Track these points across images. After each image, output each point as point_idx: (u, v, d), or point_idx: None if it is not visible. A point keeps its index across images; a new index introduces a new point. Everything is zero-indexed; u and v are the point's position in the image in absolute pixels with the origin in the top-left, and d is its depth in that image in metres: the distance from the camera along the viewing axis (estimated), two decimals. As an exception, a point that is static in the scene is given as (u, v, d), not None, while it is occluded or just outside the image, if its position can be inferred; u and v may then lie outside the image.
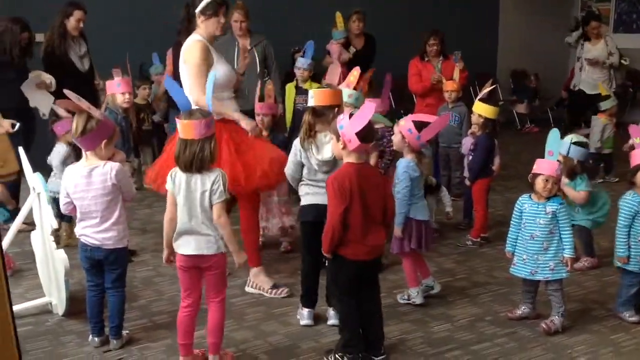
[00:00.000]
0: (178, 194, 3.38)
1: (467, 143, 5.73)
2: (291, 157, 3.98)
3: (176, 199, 3.39)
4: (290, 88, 6.65)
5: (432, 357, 3.76)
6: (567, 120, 9.67)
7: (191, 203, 3.37)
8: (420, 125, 4.21)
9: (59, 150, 5.19)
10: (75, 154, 5.10)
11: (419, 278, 4.44)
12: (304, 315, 4.12)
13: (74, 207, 3.69)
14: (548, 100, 11.34)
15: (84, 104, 3.56)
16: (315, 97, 3.87)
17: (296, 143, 3.96)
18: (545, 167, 3.91)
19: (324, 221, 3.59)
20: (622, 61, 9.34)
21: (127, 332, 3.93)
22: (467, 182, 5.68)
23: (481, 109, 5.49)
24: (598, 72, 8.82)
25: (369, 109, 3.40)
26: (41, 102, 5.84)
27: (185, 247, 3.41)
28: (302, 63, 6.55)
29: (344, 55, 7.32)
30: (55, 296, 4.20)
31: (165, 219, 3.46)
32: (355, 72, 4.48)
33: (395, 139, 4.32)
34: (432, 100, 7.09)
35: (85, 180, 3.61)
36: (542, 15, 11.76)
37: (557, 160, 3.92)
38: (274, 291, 4.54)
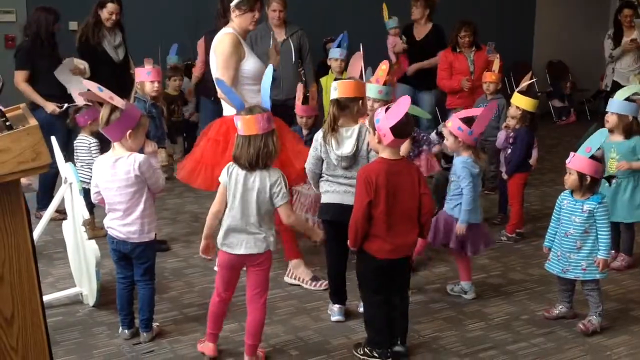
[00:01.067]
0: (232, 190, 3.32)
1: (502, 136, 5.60)
2: (311, 152, 3.91)
3: (227, 194, 3.33)
4: (326, 81, 6.55)
5: (467, 356, 3.68)
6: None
7: (246, 201, 3.31)
8: (468, 121, 4.12)
9: (83, 141, 5.23)
10: (100, 145, 5.13)
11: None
12: (334, 312, 4.06)
13: (102, 197, 3.67)
14: (584, 92, 11.11)
15: (106, 94, 3.50)
16: (339, 88, 3.79)
17: (317, 137, 3.88)
18: (583, 165, 3.76)
19: (342, 221, 3.55)
20: None
21: (157, 324, 3.89)
22: (504, 176, 5.56)
23: (520, 102, 5.36)
24: (633, 63, 8.57)
25: (405, 104, 3.32)
26: (76, 88, 5.84)
27: (236, 246, 3.35)
28: (337, 53, 6.46)
29: (397, 46, 7.17)
30: (86, 286, 4.18)
31: (212, 211, 3.41)
32: (384, 66, 4.37)
33: (449, 142, 4.23)
34: (464, 93, 6.97)
35: (111, 171, 3.57)
36: (579, 5, 11.52)
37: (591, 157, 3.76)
38: (314, 283, 4.50)
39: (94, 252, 3.96)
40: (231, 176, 3.31)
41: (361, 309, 3.96)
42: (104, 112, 3.53)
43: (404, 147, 4.49)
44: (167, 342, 3.77)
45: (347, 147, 3.79)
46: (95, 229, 4.94)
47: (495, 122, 6.38)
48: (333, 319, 4.05)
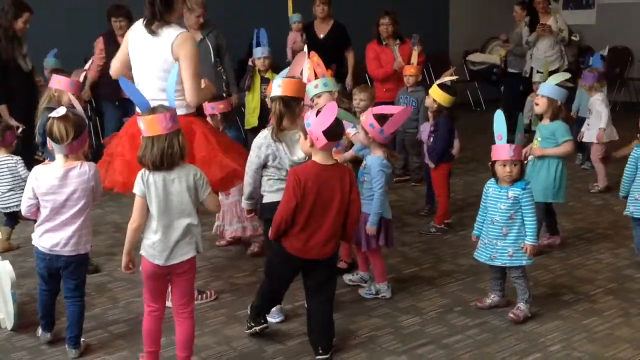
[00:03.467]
0: (152, 199, 3.16)
1: (425, 129, 5.60)
2: (253, 160, 3.77)
3: (148, 204, 3.17)
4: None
5: (404, 354, 3.63)
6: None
7: (172, 204, 3.17)
8: (382, 118, 4.06)
9: (6, 162, 5.05)
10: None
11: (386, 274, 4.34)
12: (273, 314, 3.95)
13: (37, 209, 3.49)
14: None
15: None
16: (283, 86, 3.70)
17: (260, 141, 3.76)
18: (500, 152, 3.79)
19: None
20: (573, 37, 9.32)
21: (84, 339, 3.72)
22: (432, 165, 5.53)
23: (436, 95, 5.33)
24: (549, 49, 8.77)
25: (333, 108, 3.28)
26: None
27: (163, 257, 3.20)
28: (260, 52, 6.32)
29: (297, 43, 7.00)
30: (2, 310, 3.94)
31: (132, 227, 3.22)
32: (308, 63, 4.29)
33: (360, 136, 4.16)
34: (392, 85, 6.98)
35: (60, 182, 3.42)
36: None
37: (508, 142, 3.78)
38: (203, 295, 4.30)
39: (8, 273, 3.74)
40: (147, 184, 3.16)
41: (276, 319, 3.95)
42: (65, 126, 3.34)
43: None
44: (93, 362, 3.59)
45: (301, 152, 3.68)
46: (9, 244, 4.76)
47: (414, 114, 6.39)
48: (275, 321, 3.93)
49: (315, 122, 3.27)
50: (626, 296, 4.24)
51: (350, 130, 4.36)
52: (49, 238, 3.47)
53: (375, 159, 4.09)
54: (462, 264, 4.79)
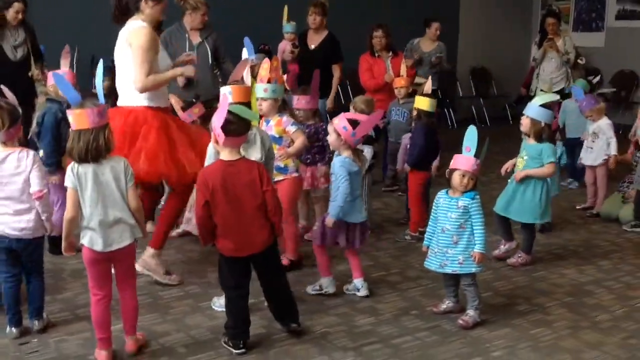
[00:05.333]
0: (85, 189, 3.34)
1: (406, 139, 5.75)
2: (208, 162, 3.95)
3: (80, 196, 3.35)
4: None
5: (351, 350, 3.77)
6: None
7: (104, 195, 3.35)
8: (355, 122, 4.22)
9: None
10: None
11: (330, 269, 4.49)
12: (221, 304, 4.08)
13: None
14: (506, 97, 11.42)
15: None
16: (234, 93, 3.88)
17: (211, 149, 3.94)
18: (462, 162, 3.93)
19: None
20: (579, 60, 9.40)
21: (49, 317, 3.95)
22: (407, 168, 5.68)
23: (418, 103, 5.51)
24: (555, 70, 8.87)
25: (225, 102, 3.44)
26: None
27: (100, 244, 3.38)
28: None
29: (285, 53, 7.00)
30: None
31: (66, 218, 3.43)
32: (266, 64, 4.44)
33: (331, 138, 4.31)
34: (383, 96, 7.08)
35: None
36: (502, 12, 11.84)
37: (475, 156, 3.94)
38: (169, 277, 4.54)
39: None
40: (77, 175, 3.34)
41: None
42: (2, 115, 3.56)
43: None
44: (54, 341, 3.77)
45: (256, 154, 3.85)
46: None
47: (406, 125, 6.54)
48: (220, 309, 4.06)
49: (215, 120, 3.45)
50: (580, 310, 4.34)
51: (290, 128, 4.49)
52: (5, 221, 3.64)
53: (339, 158, 4.25)
54: (428, 271, 4.86)
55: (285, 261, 4.65)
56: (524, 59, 11.42)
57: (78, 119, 3.28)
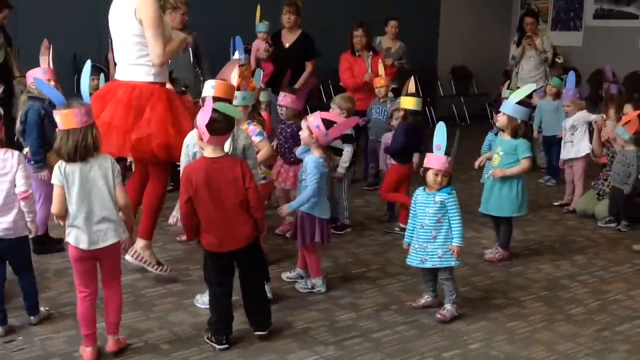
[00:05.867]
0: (71, 188, 3.40)
1: (387, 138, 5.85)
2: (182, 159, 4.03)
3: (66, 193, 3.41)
4: None
5: (332, 344, 3.85)
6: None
7: (90, 193, 3.41)
8: (329, 123, 4.31)
9: None
10: None
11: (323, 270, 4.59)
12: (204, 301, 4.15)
13: None
14: (487, 95, 11.54)
15: None
16: (217, 87, 3.94)
17: (186, 141, 4.02)
18: (434, 161, 4.03)
19: None
20: (557, 59, 9.53)
21: (47, 309, 4.04)
22: (389, 161, 5.80)
23: (405, 103, 5.62)
24: (534, 69, 9.00)
25: (209, 103, 3.51)
26: None
27: (85, 242, 3.44)
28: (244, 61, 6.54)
29: (260, 51, 7.04)
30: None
31: (53, 212, 3.49)
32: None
33: (303, 134, 4.39)
34: (363, 95, 7.15)
35: None
36: (483, 11, 11.97)
37: (446, 154, 4.03)
38: (160, 267, 4.62)
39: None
40: (66, 174, 3.39)
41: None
42: None
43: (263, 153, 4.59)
44: (39, 339, 3.81)
45: (225, 148, 3.91)
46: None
47: (386, 123, 6.64)
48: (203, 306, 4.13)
49: (199, 117, 3.53)
50: (555, 303, 4.45)
51: (255, 138, 4.51)
52: None
53: (312, 158, 4.34)
54: (408, 267, 4.95)
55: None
56: (504, 57, 11.57)
57: (65, 118, 3.33)
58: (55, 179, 3.41)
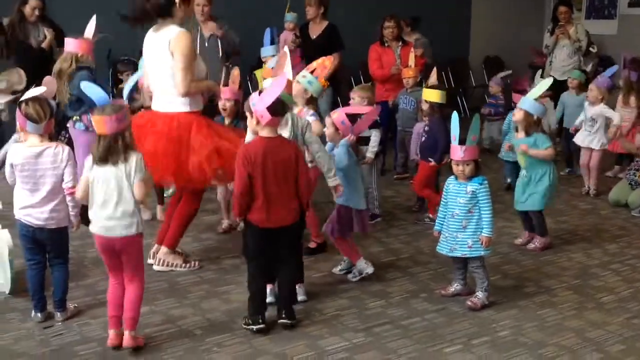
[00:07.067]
0: (95, 187, 3.50)
1: (418, 128, 5.87)
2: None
3: (90, 189, 3.51)
4: (260, 73, 6.70)
5: (362, 331, 3.90)
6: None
7: (112, 194, 3.48)
8: (354, 117, 4.36)
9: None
10: None
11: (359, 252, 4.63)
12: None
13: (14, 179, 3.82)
14: (520, 85, 11.43)
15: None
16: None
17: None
18: (452, 152, 4.09)
19: None
20: (590, 49, 9.42)
21: (76, 305, 4.10)
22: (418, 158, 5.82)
23: (429, 95, 5.62)
24: (567, 58, 8.92)
25: (279, 84, 3.60)
26: None
27: (102, 230, 3.53)
28: (268, 51, 6.62)
29: (287, 42, 7.13)
30: (0, 276, 4.31)
31: (76, 197, 3.65)
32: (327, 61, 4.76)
33: (328, 131, 4.44)
34: (392, 86, 7.23)
35: (35, 160, 3.73)
36: (515, 0, 11.86)
37: (460, 143, 4.04)
38: (187, 265, 4.73)
39: (6, 241, 4.11)
40: (95, 174, 3.49)
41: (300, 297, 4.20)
42: (38, 106, 3.72)
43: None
44: (77, 325, 3.93)
45: (285, 133, 4.03)
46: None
47: (413, 113, 6.66)
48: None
49: (260, 100, 3.62)
50: (585, 292, 4.45)
51: (309, 118, 4.58)
52: (30, 213, 3.79)
53: (341, 148, 4.40)
54: (438, 256, 4.98)
55: (312, 244, 4.95)
56: (538, 47, 11.43)
57: (98, 124, 3.44)
58: (87, 169, 3.52)
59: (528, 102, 5.03)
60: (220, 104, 5.35)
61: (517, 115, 5.10)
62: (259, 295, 3.88)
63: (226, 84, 5.52)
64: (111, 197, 3.49)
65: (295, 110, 4.63)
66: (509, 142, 5.62)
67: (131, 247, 3.59)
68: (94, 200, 3.53)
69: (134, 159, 3.50)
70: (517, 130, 5.19)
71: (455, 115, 4.10)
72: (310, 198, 3.92)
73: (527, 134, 5.04)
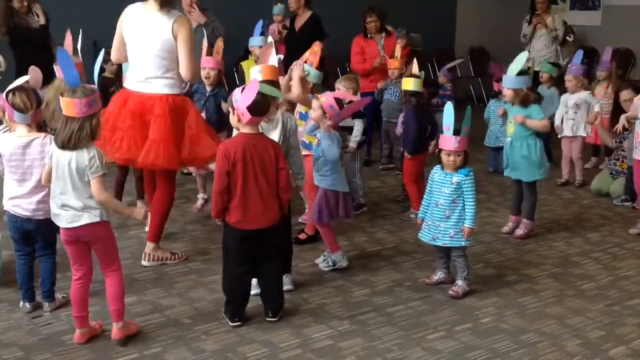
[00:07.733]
0: (54, 170, 3.46)
1: (401, 118, 5.92)
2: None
3: (52, 173, 3.49)
4: (247, 65, 6.74)
5: (347, 319, 3.97)
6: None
7: (70, 181, 3.44)
8: (341, 103, 4.40)
9: None
10: None
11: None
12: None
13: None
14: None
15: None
16: (262, 71, 4.13)
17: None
18: (444, 142, 4.12)
19: None
20: (567, 38, 9.49)
21: (64, 295, 4.10)
22: (407, 156, 5.83)
23: (404, 84, 5.68)
24: (544, 48, 9.00)
25: (254, 85, 3.61)
26: None
27: (64, 221, 3.50)
28: (257, 42, 6.65)
29: (274, 34, 7.20)
30: (-11, 266, 4.35)
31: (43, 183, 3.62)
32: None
33: (315, 114, 4.48)
34: (376, 77, 7.29)
35: (22, 151, 3.74)
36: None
37: (454, 134, 4.10)
38: (175, 257, 4.77)
39: (-5, 233, 4.13)
40: (53, 157, 3.47)
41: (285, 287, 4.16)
42: (25, 97, 3.71)
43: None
44: (65, 315, 3.96)
45: (275, 137, 4.03)
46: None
47: (398, 104, 6.71)
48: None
49: (241, 98, 3.62)
50: (566, 279, 4.54)
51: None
52: (19, 204, 3.81)
53: (326, 136, 4.43)
54: (422, 246, 5.06)
55: (303, 235, 5.00)
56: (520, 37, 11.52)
57: (66, 106, 3.37)
58: (48, 160, 3.50)
59: (510, 79, 5.09)
60: (204, 73, 5.48)
61: (507, 94, 5.17)
62: (237, 295, 3.87)
63: (210, 54, 5.59)
64: (73, 183, 3.42)
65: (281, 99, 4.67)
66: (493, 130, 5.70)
67: (97, 236, 3.53)
68: (54, 187, 3.47)
69: (91, 153, 3.41)
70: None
71: (449, 105, 4.14)
72: (289, 198, 3.89)
73: (525, 106, 5.11)
